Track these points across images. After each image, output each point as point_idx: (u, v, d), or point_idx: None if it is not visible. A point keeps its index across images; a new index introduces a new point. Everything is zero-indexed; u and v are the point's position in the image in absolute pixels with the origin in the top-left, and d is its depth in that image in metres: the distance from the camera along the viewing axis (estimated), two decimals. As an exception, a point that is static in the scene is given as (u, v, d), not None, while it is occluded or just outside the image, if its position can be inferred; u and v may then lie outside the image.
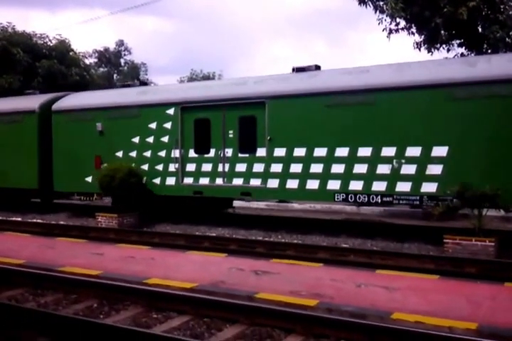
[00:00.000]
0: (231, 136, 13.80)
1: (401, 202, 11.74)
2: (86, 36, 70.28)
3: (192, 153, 14.44)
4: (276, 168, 13.02)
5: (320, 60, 65.43)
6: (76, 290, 7.06)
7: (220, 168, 13.96)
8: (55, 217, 16.57)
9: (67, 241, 10.97)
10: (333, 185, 12.27)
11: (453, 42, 18.12)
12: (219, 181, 13.98)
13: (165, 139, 14.82)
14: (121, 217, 14.09)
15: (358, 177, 11.98)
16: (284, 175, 12.90)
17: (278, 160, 13.01)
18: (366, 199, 12.02)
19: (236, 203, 19.18)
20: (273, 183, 13.08)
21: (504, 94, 10.38)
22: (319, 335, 5.42)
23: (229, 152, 13.84)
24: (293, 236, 12.50)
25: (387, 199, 11.81)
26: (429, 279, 7.46)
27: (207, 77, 49.25)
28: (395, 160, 11.57)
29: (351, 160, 12.03)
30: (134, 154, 15.29)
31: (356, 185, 12.00)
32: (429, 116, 11.14)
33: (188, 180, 14.48)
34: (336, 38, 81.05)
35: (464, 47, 18.15)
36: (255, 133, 13.34)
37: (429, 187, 11.20)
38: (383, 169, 11.68)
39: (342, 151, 12.16)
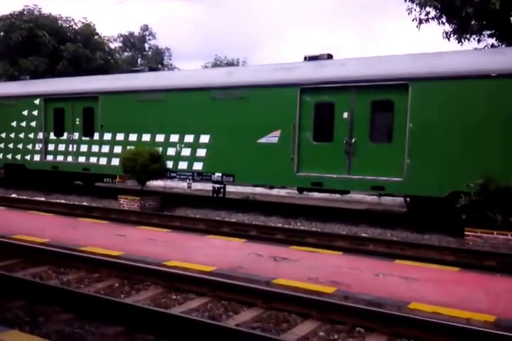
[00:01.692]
0: (77, 122, 17.18)
1: (182, 176, 15.10)
2: (111, 20, 70.46)
3: (52, 136, 17.85)
4: (105, 149, 16.43)
5: (346, 48, 64.86)
6: (98, 270, 7.19)
7: (70, 148, 17.42)
8: (78, 198, 16.81)
9: (90, 222, 11.14)
10: None
11: (484, 32, 17.81)
12: (69, 159, 17.45)
13: (33, 124, 18.23)
14: (143, 200, 14.25)
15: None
16: (110, 155, 16.30)
17: (106, 142, 16.42)
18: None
19: (257, 190, 19.30)
20: (103, 161, 16.52)
21: (240, 96, 13.76)
22: (335, 322, 5.46)
23: (76, 135, 17.24)
24: (312, 224, 12.54)
25: (173, 174, 15.21)
26: (449, 271, 7.44)
27: (231, 64, 49.11)
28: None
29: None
30: (12, 135, 18.77)
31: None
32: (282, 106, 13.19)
33: (49, 157, 17.87)
34: (363, 25, 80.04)
35: (494, 38, 17.85)
36: (93, 121, 16.65)
37: (197, 166, 14.68)
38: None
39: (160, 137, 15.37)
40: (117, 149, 16.06)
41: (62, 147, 17.61)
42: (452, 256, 9.23)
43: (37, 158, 18.08)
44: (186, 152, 14.78)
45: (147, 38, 50.63)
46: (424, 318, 5.16)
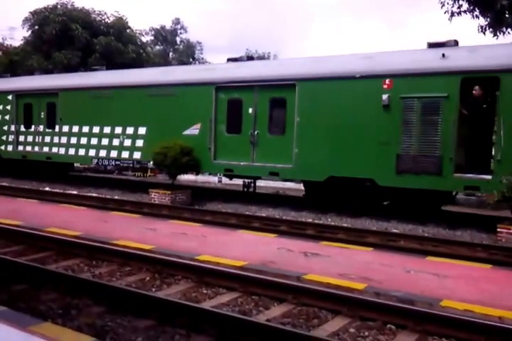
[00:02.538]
0: (42, 116, 19.16)
1: (124, 164, 17.34)
2: (143, 13, 70.92)
3: (22, 128, 19.83)
4: (64, 139, 18.43)
5: (378, 40, 64.14)
6: (129, 263, 7.26)
7: (36, 139, 19.36)
8: (110, 191, 17.00)
9: (121, 216, 11.26)
10: (92, 152, 17.56)
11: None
12: (36, 148, 19.38)
13: (7, 117, 20.24)
14: (173, 194, 14.35)
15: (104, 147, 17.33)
16: (68, 145, 18.28)
17: (65, 134, 18.42)
18: (107, 162, 17.52)
19: (287, 185, 19.30)
20: (62, 150, 18.47)
21: (170, 93, 15.63)
22: (366, 318, 5.42)
23: (41, 128, 19.22)
24: (342, 220, 12.46)
25: (118, 163, 17.34)
26: (481, 268, 7.32)
27: (262, 57, 48.94)
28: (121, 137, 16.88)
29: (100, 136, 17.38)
30: None
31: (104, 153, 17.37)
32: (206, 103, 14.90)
33: (20, 147, 19.93)
34: (395, 18, 79.01)
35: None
36: (55, 114, 18.59)
37: (136, 155, 16.48)
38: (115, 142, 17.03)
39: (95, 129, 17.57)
40: (73, 140, 18.22)
41: (30, 138, 19.78)
42: (484, 253, 9.08)
43: (10, 148, 20.35)
44: (128, 142, 16.72)
45: (179, 31, 50.77)
46: (456, 316, 5.09)
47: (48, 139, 18.97)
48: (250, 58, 16.21)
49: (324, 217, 12.82)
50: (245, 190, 17.77)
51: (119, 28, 31.01)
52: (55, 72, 23.43)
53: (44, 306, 5.61)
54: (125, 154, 16.81)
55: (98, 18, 31.36)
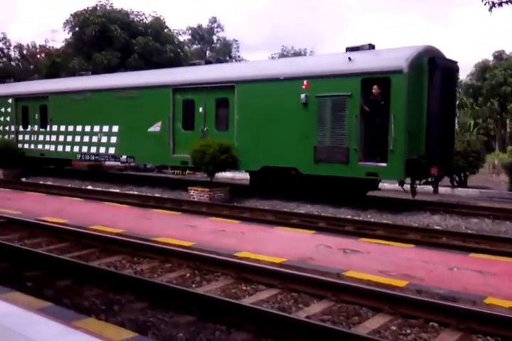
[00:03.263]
0: (36, 117, 21.35)
1: (101, 158, 19.36)
2: (180, 13, 71.43)
3: (21, 128, 22.15)
4: (54, 138, 20.47)
5: (417, 35, 63.07)
6: (170, 260, 7.35)
7: (32, 138, 21.60)
8: (150, 189, 17.23)
9: (162, 213, 11.40)
10: (76, 149, 19.64)
11: None
12: (32, 146, 21.59)
13: (8, 119, 22.63)
14: (212, 191, 14.43)
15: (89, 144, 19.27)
16: (57, 143, 20.33)
17: (54, 133, 20.44)
18: (88, 157, 19.48)
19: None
20: (52, 148, 20.53)
21: (136, 96, 17.53)
22: (408, 316, 5.35)
23: (36, 127, 21.33)
24: (383, 216, 12.31)
25: (97, 157, 19.27)
26: (527, 265, 7.14)
27: (298, 54, 48.72)
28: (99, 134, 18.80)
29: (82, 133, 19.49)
30: None
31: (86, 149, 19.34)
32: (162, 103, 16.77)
33: (19, 145, 22.01)
34: (434, 13, 77.56)
35: None
36: (46, 115, 20.76)
37: (111, 150, 18.42)
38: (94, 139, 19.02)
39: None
40: (61, 138, 20.31)
41: (27, 137, 21.98)
42: (531, 250, 8.83)
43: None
44: (104, 139, 18.68)
45: (215, 30, 50.94)
46: (501, 314, 4.98)
47: (41, 138, 21.23)
48: (208, 62, 18.54)
49: (364, 213, 12.69)
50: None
51: (157, 28, 31.35)
52: (95, 73, 23.94)
53: (88, 302, 5.74)
54: (102, 150, 18.83)
55: (136, 19, 31.79)
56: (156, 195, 15.90)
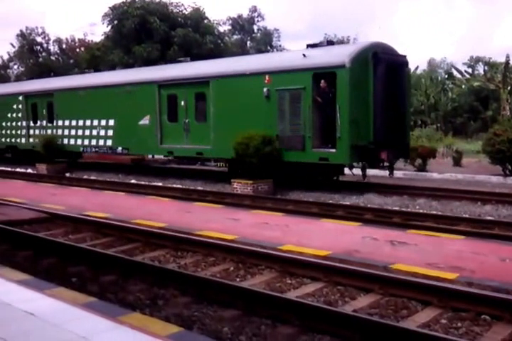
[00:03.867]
0: (44, 113, 23.03)
1: (100, 150, 20.78)
2: (220, 3, 71.08)
3: (31, 123, 23.83)
4: (60, 131, 22.13)
5: (465, 20, 61.30)
6: (213, 254, 7.30)
7: (41, 132, 22.98)
8: (193, 182, 17.27)
9: (204, 206, 11.37)
10: (79, 142, 21.36)
11: None
12: (37, 140, 22.67)
13: (20, 115, 24.30)
14: (255, 184, 14.35)
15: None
16: (63, 136, 21.92)
17: (60, 127, 22.16)
18: (89, 149, 21.11)
19: (371, 172, 18.84)
20: (59, 141, 21.74)
21: (128, 91, 19.05)
22: (458, 309, 5.17)
23: (44, 122, 23.08)
24: (432, 207, 11.98)
25: (97, 149, 20.85)
26: None
27: (341, 42, 47.81)
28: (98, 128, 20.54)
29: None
30: (8, 124, 25.04)
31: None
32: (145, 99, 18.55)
33: (30, 140, 23.71)
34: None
35: None
36: (52, 111, 22.44)
37: (109, 142, 20.07)
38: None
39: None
40: (66, 132, 21.94)
41: (37, 131, 23.46)
42: None
43: (23, 140, 24.32)
44: (102, 132, 20.28)
45: (256, 19, 50.23)
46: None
47: (49, 132, 22.60)
48: (192, 59, 20.15)
49: (412, 204, 12.38)
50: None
51: (197, 19, 31.18)
52: (135, 66, 24.83)
53: (132, 296, 5.75)
54: (101, 142, 20.47)
55: (175, 10, 31.68)
56: (199, 188, 15.92)
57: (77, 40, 50.91)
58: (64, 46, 50.91)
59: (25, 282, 5.28)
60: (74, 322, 4.15)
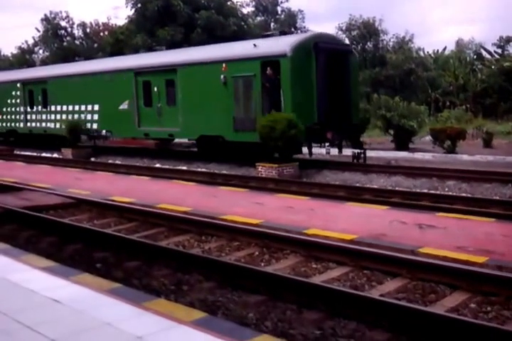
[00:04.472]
0: (40, 99, 24.76)
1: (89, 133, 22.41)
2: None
3: (28, 109, 25.38)
4: (52, 116, 23.93)
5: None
6: (238, 238, 7.24)
7: (37, 117, 24.94)
8: (217, 166, 17.23)
9: (229, 190, 11.29)
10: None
11: None
12: (38, 124, 25.02)
13: (18, 101, 25.87)
14: (281, 167, 14.24)
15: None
16: (55, 121, 23.63)
17: (53, 112, 23.90)
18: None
19: (400, 154, 18.65)
20: (51, 125, 23.90)
21: (109, 79, 20.84)
22: (488, 293, 5.05)
23: (40, 108, 24.69)
24: (461, 189, 11.74)
25: (84, 133, 22.18)
26: None
27: (367, 23, 46.76)
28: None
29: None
30: (8, 109, 26.64)
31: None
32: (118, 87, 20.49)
33: (28, 124, 25.50)
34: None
35: None
36: (46, 97, 24.26)
37: (95, 126, 21.86)
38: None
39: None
40: (58, 116, 23.60)
41: (34, 116, 25.17)
42: None
43: (22, 125, 25.92)
44: (89, 116, 22.03)
45: (279, 0, 49.36)
46: None
47: (44, 117, 24.45)
48: (168, 48, 22.69)
49: (441, 186, 12.14)
50: (355, 161, 17.32)
51: (220, 1, 30.82)
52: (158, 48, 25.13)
53: (157, 282, 5.73)
54: (88, 125, 22.05)
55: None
56: (224, 171, 15.87)
57: (100, 24, 50.92)
58: (88, 30, 50.83)
59: (50, 269, 5.28)
60: (99, 309, 4.15)
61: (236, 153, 17.45)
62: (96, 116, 21.81)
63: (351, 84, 16.75)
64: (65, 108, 23.29)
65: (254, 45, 16.11)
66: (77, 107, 22.66)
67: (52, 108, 23.90)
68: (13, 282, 4.85)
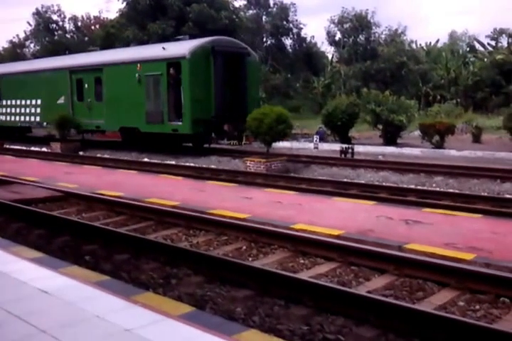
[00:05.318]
0: None
1: (33, 125, 26.01)
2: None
3: None
4: (4, 110, 26.84)
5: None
6: (226, 232, 7.23)
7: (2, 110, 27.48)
8: (205, 160, 17.22)
9: (217, 185, 11.29)
10: (17, 118, 25.98)
11: None
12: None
13: None
14: (269, 162, 14.26)
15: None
16: (6, 114, 26.61)
17: (4, 105, 26.65)
18: (24, 124, 26.29)
19: (388, 149, 18.72)
20: (3, 118, 26.91)
21: (49, 76, 23.72)
22: (476, 291, 5.06)
23: None
24: (448, 185, 11.82)
25: (29, 125, 26.24)
26: None
27: (359, 16, 46.64)
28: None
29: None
30: None
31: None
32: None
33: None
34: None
35: None
36: (1, 92, 26.94)
37: (37, 119, 24.69)
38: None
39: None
40: (8, 110, 26.39)
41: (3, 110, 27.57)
42: None
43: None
44: (33, 110, 24.73)
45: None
46: None
47: (1, 110, 27.10)
48: (103, 49, 25.83)
49: (428, 182, 12.22)
50: (343, 156, 17.39)
51: (212, -6, 30.70)
52: (150, 42, 26.44)
53: (145, 275, 5.72)
54: (32, 118, 24.87)
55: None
56: (212, 166, 15.86)
57: (92, 17, 51.02)
58: (79, 24, 51.13)
59: (40, 260, 5.29)
60: (87, 301, 4.15)
61: (151, 143, 20.07)
62: (38, 110, 24.57)
63: (248, 82, 19.08)
64: (14, 102, 26.08)
65: (163, 48, 18.96)
66: (23, 102, 25.45)
67: (4, 103, 26.77)
68: (3, 272, 4.86)
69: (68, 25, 51.17)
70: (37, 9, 49.21)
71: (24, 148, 22.77)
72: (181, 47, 18.33)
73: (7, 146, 23.29)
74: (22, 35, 52.66)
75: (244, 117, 17.10)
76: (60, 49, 35.82)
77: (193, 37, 20.78)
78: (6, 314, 3.91)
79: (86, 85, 21.84)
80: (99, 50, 25.16)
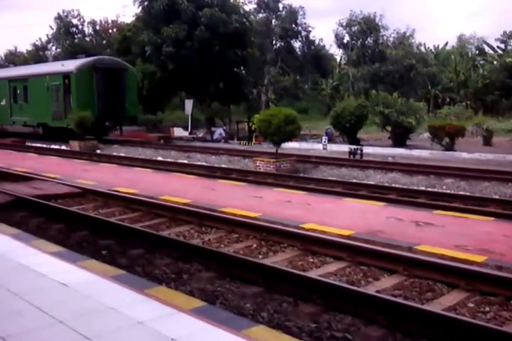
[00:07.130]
0: None
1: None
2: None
3: None
4: None
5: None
6: (237, 230, 7.29)
7: None
8: (217, 160, 17.31)
9: (228, 184, 11.37)
10: None
11: None
12: None
13: None
14: (278, 162, 14.33)
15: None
16: None
17: None
18: None
19: (397, 151, 18.71)
20: None
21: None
22: (486, 293, 5.07)
23: None
24: (460, 187, 11.81)
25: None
26: None
27: (367, 18, 46.65)
28: None
29: None
30: None
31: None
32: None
33: None
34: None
35: None
36: None
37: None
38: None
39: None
40: None
41: None
42: None
43: None
44: None
45: (281, -3, 49.22)
46: None
47: None
48: (37, 62, 36.20)
49: (439, 184, 12.21)
50: (352, 157, 17.43)
51: (223, -1, 31.03)
52: (164, 45, 29.06)
53: (158, 270, 5.81)
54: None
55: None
56: (223, 165, 15.95)
57: (110, 21, 52.68)
58: (98, 28, 53.24)
59: (59, 254, 5.40)
60: (104, 294, 4.25)
61: (58, 134, 25.08)
62: None
63: (126, 90, 26.26)
64: None
65: (62, 64, 26.37)
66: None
67: None
68: (24, 265, 4.98)
69: (87, 29, 53.50)
70: (58, 14, 51.53)
71: (45, 145, 23.36)
72: (71, 64, 25.59)
73: (29, 144, 24.52)
74: (44, 39, 55.59)
75: (123, 115, 25.94)
76: (79, 51, 36.63)
77: (88, 55, 27.61)
78: (27, 304, 4.02)
79: (18, 91, 28.90)
80: (28, 65, 35.54)
